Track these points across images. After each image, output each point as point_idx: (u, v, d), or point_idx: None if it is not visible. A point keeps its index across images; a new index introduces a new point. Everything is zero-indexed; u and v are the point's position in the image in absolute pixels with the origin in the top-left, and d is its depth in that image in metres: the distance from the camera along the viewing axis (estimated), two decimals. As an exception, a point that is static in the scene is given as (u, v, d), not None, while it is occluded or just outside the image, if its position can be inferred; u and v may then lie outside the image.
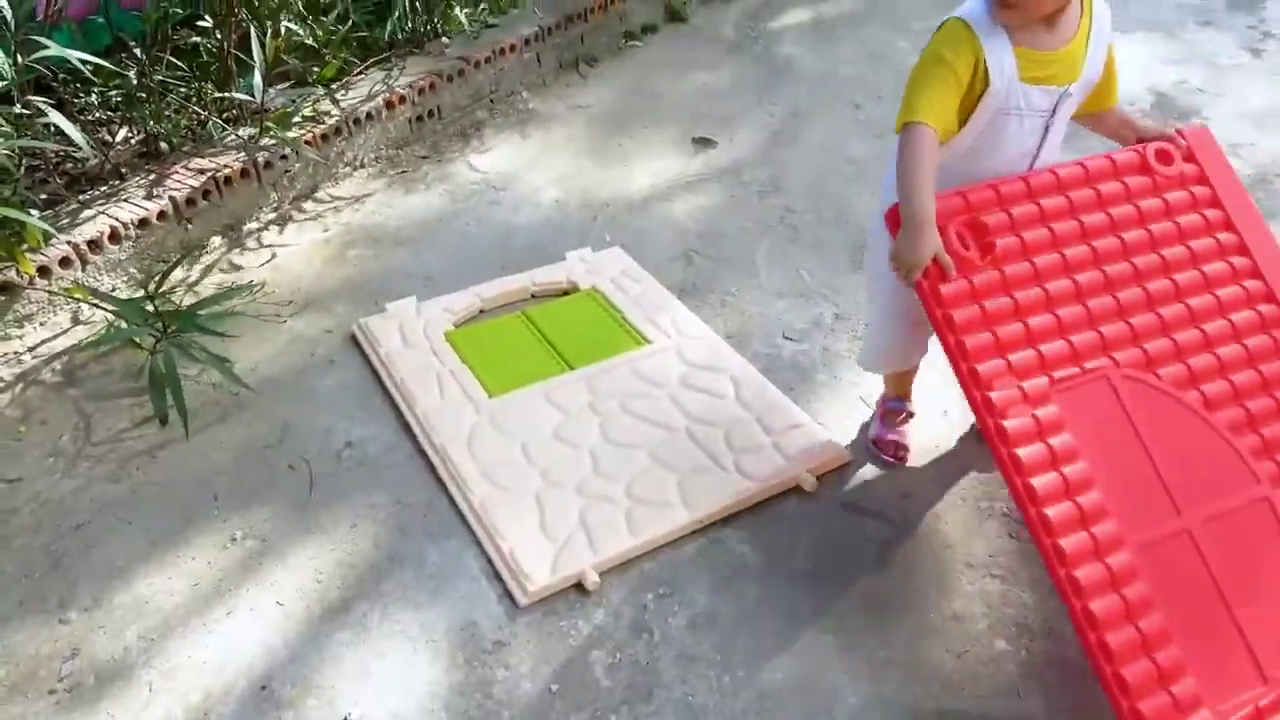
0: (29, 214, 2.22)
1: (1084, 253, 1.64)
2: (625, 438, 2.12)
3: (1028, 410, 1.47)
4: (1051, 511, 1.41)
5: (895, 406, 2.12)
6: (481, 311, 2.54)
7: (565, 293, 2.60)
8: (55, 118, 2.16)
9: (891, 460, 2.07)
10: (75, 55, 2.26)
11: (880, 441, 2.10)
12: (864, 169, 3.18)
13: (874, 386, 2.28)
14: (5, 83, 2.23)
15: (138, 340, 2.21)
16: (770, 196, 3.06)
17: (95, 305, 2.33)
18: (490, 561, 1.87)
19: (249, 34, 2.78)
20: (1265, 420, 1.57)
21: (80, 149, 2.25)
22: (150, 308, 2.13)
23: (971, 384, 1.50)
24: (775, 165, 3.22)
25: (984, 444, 1.66)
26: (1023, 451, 1.44)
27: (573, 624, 1.77)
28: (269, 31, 2.75)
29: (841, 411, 2.23)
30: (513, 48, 3.55)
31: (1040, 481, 1.42)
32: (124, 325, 2.17)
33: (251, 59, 2.73)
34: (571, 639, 1.74)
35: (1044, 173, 1.68)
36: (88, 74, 2.66)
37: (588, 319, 2.47)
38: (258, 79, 2.61)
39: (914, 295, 1.62)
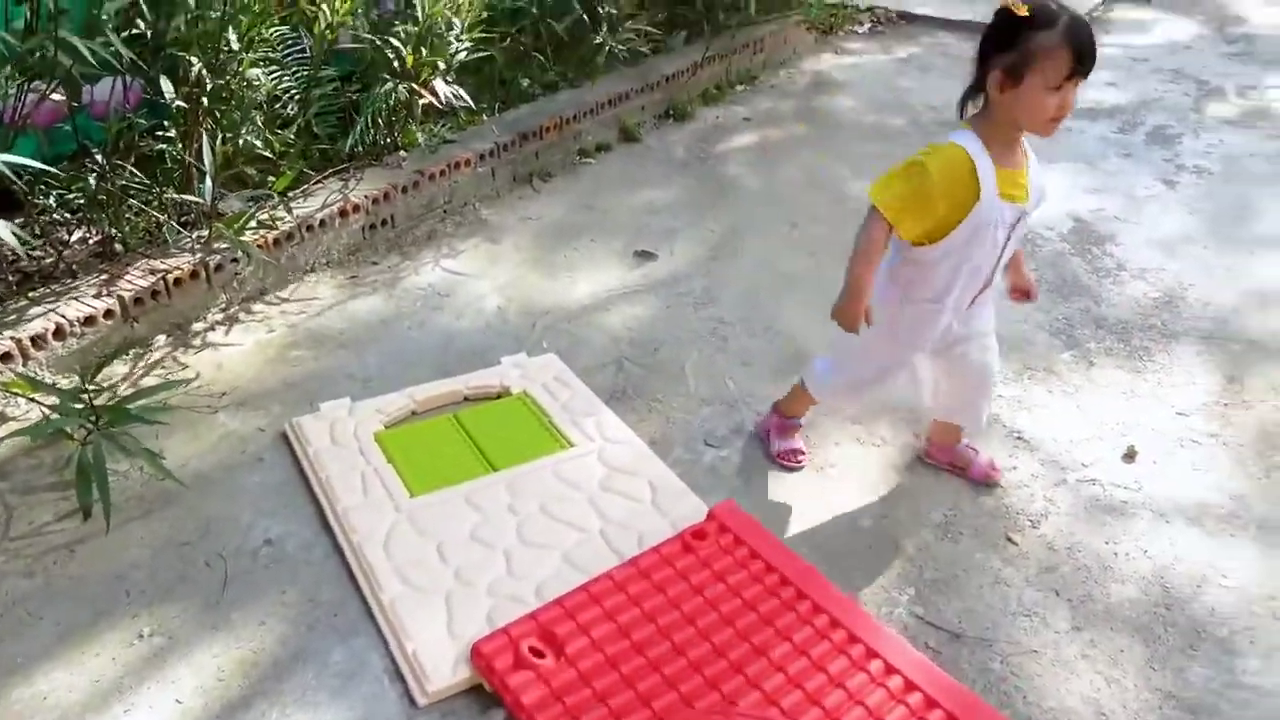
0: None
1: (650, 632, 1.90)
2: (540, 539, 2.17)
3: None
4: None
5: (793, 423, 2.50)
6: (414, 413, 2.61)
7: (498, 396, 2.68)
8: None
9: (797, 466, 2.45)
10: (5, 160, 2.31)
11: (784, 454, 2.46)
12: (795, 284, 3.33)
13: (791, 488, 2.37)
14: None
15: (69, 431, 2.26)
16: (704, 308, 3.19)
17: (29, 398, 2.37)
18: (394, 661, 1.89)
19: (231, 145, 2.95)
20: (841, 713, 1.76)
21: (16, 248, 2.33)
22: (84, 398, 2.18)
23: None
24: (711, 278, 3.36)
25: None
26: None
27: (471, 725, 1.79)
28: (225, 140, 2.90)
29: (756, 516, 2.29)
30: (468, 162, 3.73)
31: None
32: (57, 416, 2.21)
33: (232, 167, 2.88)
34: (468, 740, 1.76)
35: (603, 579, 2.00)
36: (50, 178, 2.79)
37: (515, 422, 2.55)
38: (208, 184, 2.74)
39: (875, 352, 2.21)
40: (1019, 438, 2.60)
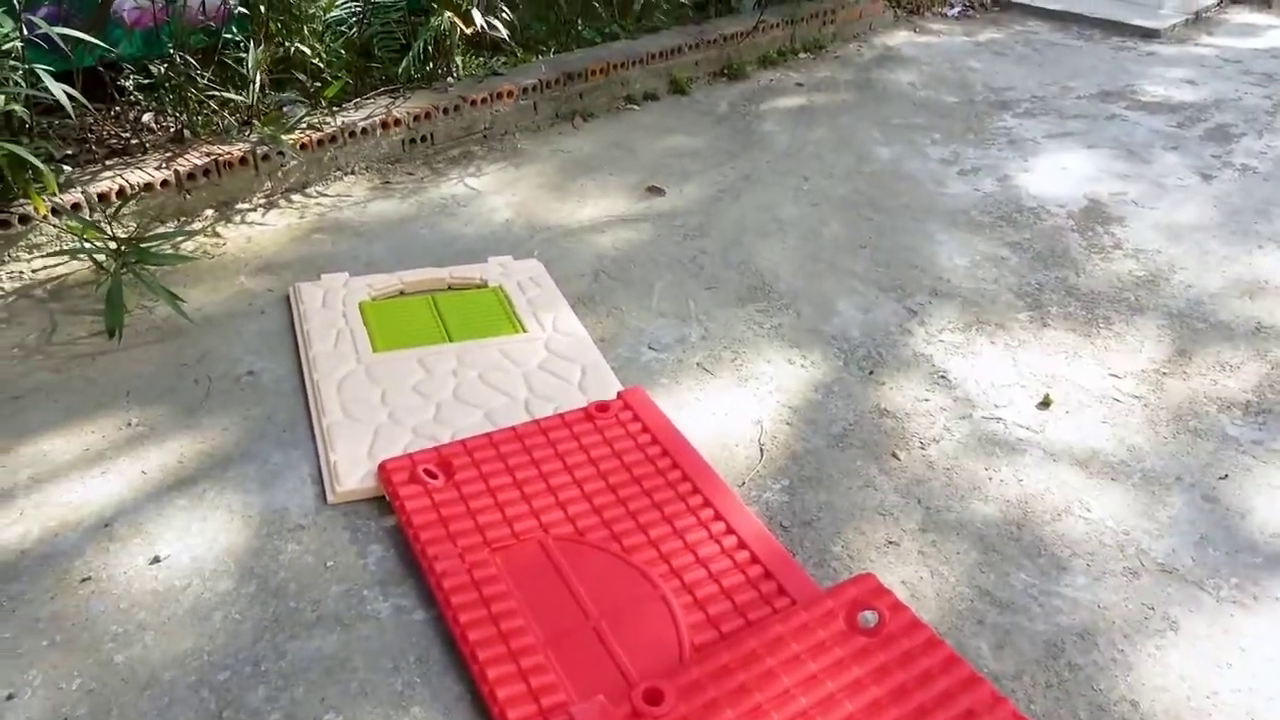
0: (36, 160, 2.75)
1: (532, 474, 2.21)
2: (471, 398, 2.50)
3: (463, 568, 1.95)
4: (475, 634, 1.81)
5: None
6: (401, 292, 2.97)
7: (478, 288, 3.01)
8: (49, 83, 2.72)
9: None
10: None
11: None
12: (787, 229, 3.53)
13: (713, 392, 2.61)
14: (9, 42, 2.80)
15: (101, 262, 2.72)
16: (692, 240, 3.43)
17: (82, 236, 2.84)
18: (320, 469, 2.25)
19: (285, 54, 3.39)
20: (674, 555, 2.04)
21: (69, 110, 2.78)
22: (106, 228, 2.62)
23: (422, 556, 1.99)
24: (708, 216, 3.60)
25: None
26: (457, 598, 1.88)
27: (366, 524, 2.13)
28: (280, 46, 3.33)
29: (668, 412, 2.54)
30: (510, 93, 4.07)
31: (469, 616, 1.85)
32: (90, 245, 2.68)
33: (288, 75, 3.33)
34: (361, 534, 2.10)
35: (506, 430, 2.33)
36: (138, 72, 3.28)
37: (482, 307, 2.88)
38: (254, 86, 3.17)
39: None
40: (942, 377, 2.76)
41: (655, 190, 3.78)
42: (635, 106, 4.57)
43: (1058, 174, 4.08)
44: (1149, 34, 6.14)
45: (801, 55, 5.41)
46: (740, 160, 4.09)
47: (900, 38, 5.88)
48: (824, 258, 3.36)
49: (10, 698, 1.71)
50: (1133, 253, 3.50)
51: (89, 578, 1.95)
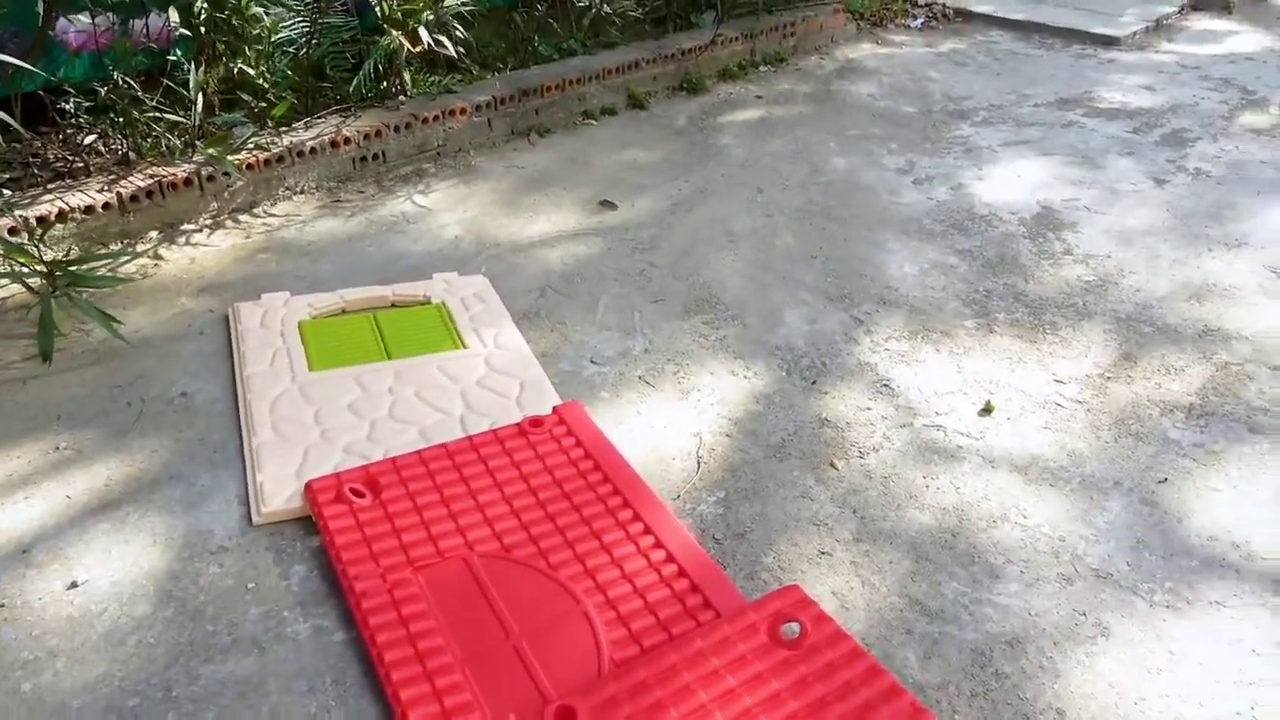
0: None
1: (460, 491, 2.19)
2: (406, 416, 2.47)
3: (384, 588, 1.92)
4: (390, 655, 1.79)
5: None
6: (344, 310, 2.95)
7: (421, 305, 2.99)
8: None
9: None
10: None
11: None
12: (738, 240, 3.53)
13: (654, 405, 2.59)
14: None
15: (32, 286, 2.69)
16: (642, 253, 3.42)
17: (14, 260, 2.82)
18: (247, 490, 2.23)
19: (230, 75, 3.38)
20: (600, 570, 2.02)
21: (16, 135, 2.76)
22: (36, 252, 2.60)
23: (343, 576, 1.97)
24: (660, 228, 3.59)
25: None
26: (375, 619, 1.85)
27: (291, 545, 2.10)
28: (224, 67, 3.32)
29: (606, 426, 2.52)
30: (463, 110, 4.07)
31: (386, 636, 1.82)
32: (16, 268, 2.65)
33: (234, 95, 3.32)
34: (286, 555, 2.08)
35: (437, 448, 2.31)
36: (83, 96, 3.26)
37: (424, 325, 2.86)
38: (197, 106, 3.15)
39: None
40: (885, 385, 2.75)
41: (608, 204, 3.77)
42: (593, 122, 4.57)
43: (1012, 181, 4.09)
44: (1109, 41, 6.17)
45: (762, 68, 5.42)
46: (695, 173, 4.09)
47: (862, 50, 5.91)
48: (774, 269, 3.35)
49: (-88, 730, 1.68)
50: (1082, 258, 3.50)
51: (2, 605, 1.91)
